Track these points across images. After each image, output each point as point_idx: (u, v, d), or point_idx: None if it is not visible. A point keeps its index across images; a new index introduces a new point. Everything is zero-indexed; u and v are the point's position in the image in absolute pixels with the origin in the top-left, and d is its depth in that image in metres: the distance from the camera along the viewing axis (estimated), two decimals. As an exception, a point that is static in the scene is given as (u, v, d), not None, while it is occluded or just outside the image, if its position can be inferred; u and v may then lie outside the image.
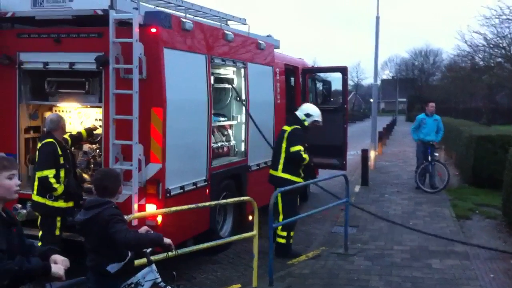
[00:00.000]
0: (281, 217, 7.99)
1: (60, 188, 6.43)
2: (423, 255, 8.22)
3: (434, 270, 7.52)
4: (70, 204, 6.62)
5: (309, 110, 8.48)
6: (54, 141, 6.52)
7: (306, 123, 8.37)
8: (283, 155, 8.16)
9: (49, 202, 6.45)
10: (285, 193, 7.82)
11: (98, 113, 7.53)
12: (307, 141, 8.45)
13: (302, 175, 8.34)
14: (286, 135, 8.20)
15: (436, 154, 13.95)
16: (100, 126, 7.45)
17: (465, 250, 8.47)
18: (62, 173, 6.52)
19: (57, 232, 6.54)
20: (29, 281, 3.27)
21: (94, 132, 7.50)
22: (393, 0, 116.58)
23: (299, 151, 8.04)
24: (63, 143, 6.68)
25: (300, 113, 8.44)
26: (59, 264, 3.36)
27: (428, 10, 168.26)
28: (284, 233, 8.17)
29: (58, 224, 6.53)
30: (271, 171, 8.36)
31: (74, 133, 7.34)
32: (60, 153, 6.50)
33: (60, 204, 6.51)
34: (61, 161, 6.51)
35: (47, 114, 7.89)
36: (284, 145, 8.17)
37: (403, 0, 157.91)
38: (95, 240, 4.19)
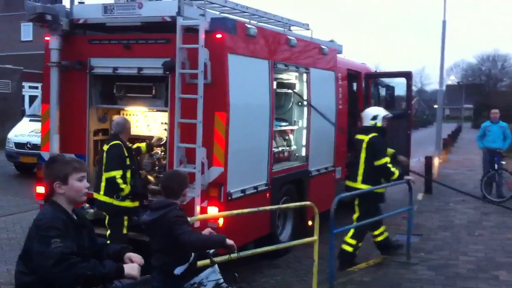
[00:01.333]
0: (352, 228, 7.95)
1: (126, 189, 6.65)
2: (489, 266, 7.95)
3: (502, 282, 7.26)
4: (136, 204, 6.84)
5: (372, 113, 8.20)
6: (121, 143, 6.75)
7: (379, 125, 8.04)
8: (362, 165, 7.89)
9: (116, 202, 6.68)
10: (365, 202, 7.85)
11: (163, 117, 7.73)
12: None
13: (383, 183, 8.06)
14: (364, 145, 7.91)
15: (503, 163, 13.46)
16: (165, 136, 7.65)
17: (534, 263, 8.14)
18: (128, 174, 6.74)
19: (125, 231, 6.76)
20: (103, 284, 3.31)
21: (154, 149, 7.72)
22: (460, 4, 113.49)
23: (385, 163, 7.78)
24: (128, 145, 6.91)
25: (366, 121, 8.13)
26: (133, 264, 3.39)
27: (497, 14, 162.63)
28: (354, 241, 7.98)
29: (125, 223, 6.76)
30: (349, 183, 8.09)
31: (134, 146, 7.50)
32: (126, 154, 6.73)
33: (127, 204, 6.74)
34: (128, 162, 6.74)
35: (115, 117, 8.18)
36: (363, 155, 7.89)
37: (470, 4, 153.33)
38: (161, 241, 4.31)
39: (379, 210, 8.31)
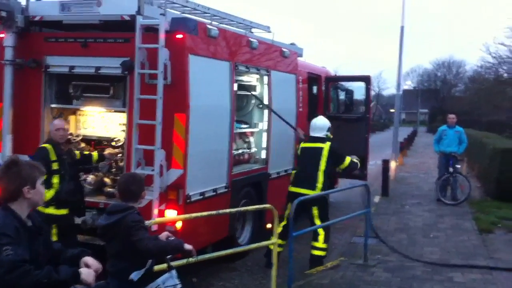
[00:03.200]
0: (321, 232, 7.94)
1: (48, 194, 6.20)
2: (444, 268, 8.10)
3: (456, 284, 7.41)
4: (63, 211, 6.52)
5: (326, 124, 8.48)
6: (47, 146, 6.52)
7: (331, 136, 8.49)
8: (321, 174, 7.97)
9: (40, 208, 6.10)
10: (324, 207, 8.02)
11: (121, 117, 7.58)
12: None
13: None
14: (326, 152, 8.04)
15: (458, 166, 13.78)
16: (122, 137, 7.53)
17: (488, 263, 8.33)
18: (55, 179, 6.47)
19: (54, 238, 6.33)
20: None
21: (105, 159, 7.48)
22: (418, 11, 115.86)
23: (350, 161, 8.24)
24: (62, 148, 6.64)
25: (321, 132, 8.36)
26: (90, 269, 3.33)
27: (453, 21, 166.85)
28: (326, 245, 8.05)
29: (54, 231, 6.42)
30: (305, 191, 7.89)
31: (86, 152, 7.38)
32: (54, 158, 6.46)
33: (50, 211, 6.38)
34: (54, 167, 6.46)
35: (71, 118, 7.99)
36: (323, 163, 8.00)
37: (427, 10, 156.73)
38: (117, 246, 4.20)
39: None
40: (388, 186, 14.76)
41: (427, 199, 14.10)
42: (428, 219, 11.72)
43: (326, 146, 8.10)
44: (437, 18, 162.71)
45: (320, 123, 8.49)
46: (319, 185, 7.99)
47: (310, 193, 7.89)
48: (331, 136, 8.48)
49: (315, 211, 7.96)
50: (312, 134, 8.42)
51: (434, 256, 8.73)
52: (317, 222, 7.98)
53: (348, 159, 8.24)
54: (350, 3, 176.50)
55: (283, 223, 7.92)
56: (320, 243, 8.00)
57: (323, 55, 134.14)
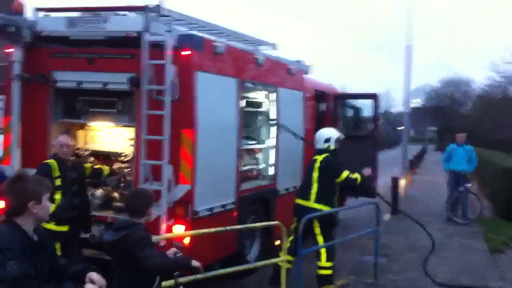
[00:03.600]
0: (323, 251, 7.66)
1: None
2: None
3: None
4: (64, 228, 6.45)
5: (324, 135, 8.15)
6: (50, 162, 6.49)
7: (332, 147, 8.04)
8: (315, 185, 7.79)
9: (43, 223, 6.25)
10: (325, 224, 7.67)
11: (129, 132, 7.55)
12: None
13: (336, 204, 8.03)
14: (317, 164, 7.86)
15: (469, 185, 13.64)
16: (126, 167, 7.54)
17: (499, 285, 8.18)
18: (58, 195, 6.43)
19: (58, 253, 6.31)
20: None
21: (116, 175, 7.50)
22: (424, 30, 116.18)
23: (347, 177, 7.72)
24: (68, 165, 6.59)
25: (319, 144, 8.08)
26: (95, 286, 3.26)
27: (459, 40, 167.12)
28: (330, 264, 7.74)
29: (57, 245, 6.29)
30: (299, 201, 7.84)
31: (97, 166, 7.36)
32: (57, 174, 6.43)
33: (51, 226, 6.30)
34: (57, 183, 6.42)
35: (79, 132, 7.98)
36: (315, 174, 7.81)
37: (433, 29, 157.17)
38: (123, 262, 4.12)
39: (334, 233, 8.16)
40: (397, 204, 14.60)
41: (437, 218, 13.93)
42: (438, 238, 11.53)
43: (320, 157, 7.90)
44: (443, 35, 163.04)
45: (317, 135, 8.26)
46: (313, 196, 7.74)
47: (305, 203, 7.72)
48: (333, 148, 8.06)
49: (316, 225, 7.63)
50: (317, 146, 8.18)
51: (446, 276, 8.58)
52: (319, 238, 7.67)
53: (345, 174, 7.75)
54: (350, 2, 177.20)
55: (291, 237, 7.76)
56: (323, 262, 7.72)
57: (328, 73, 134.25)
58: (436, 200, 17.33)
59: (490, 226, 12.78)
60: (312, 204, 7.74)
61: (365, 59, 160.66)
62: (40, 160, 7.04)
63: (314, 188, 7.78)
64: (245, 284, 8.15)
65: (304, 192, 7.93)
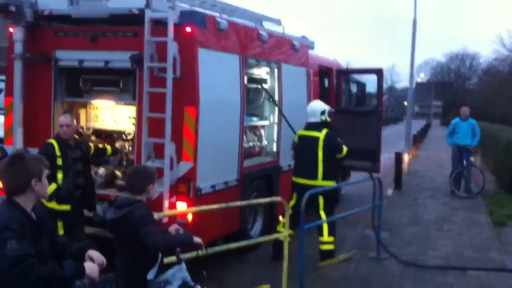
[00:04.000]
0: (325, 226, 7.82)
1: (48, 189, 6.07)
2: (458, 261, 8.02)
3: (470, 278, 7.33)
4: (65, 207, 6.50)
5: (319, 107, 8.15)
6: (53, 141, 6.54)
7: (328, 120, 8.14)
8: (321, 163, 7.84)
9: (44, 201, 6.16)
10: (328, 198, 7.79)
11: (131, 111, 7.58)
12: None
13: (339, 179, 8.21)
14: (321, 142, 7.87)
15: (472, 159, 13.64)
16: (128, 145, 7.59)
17: (502, 257, 8.24)
18: (59, 175, 6.47)
19: (60, 231, 6.36)
20: (63, 286, 3.21)
21: (119, 153, 7.56)
22: (430, 3, 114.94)
23: (347, 151, 8.03)
24: (70, 144, 6.62)
25: (315, 117, 8.08)
26: (94, 264, 3.31)
27: (466, 13, 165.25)
28: (332, 238, 7.91)
29: (60, 224, 6.43)
30: (307, 181, 7.83)
31: (100, 146, 7.40)
32: (58, 154, 6.47)
33: (53, 205, 6.38)
34: (59, 162, 6.46)
35: (82, 111, 8.01)
36: (320, 152, 7.84)
37: (440, 3, 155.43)
38: (125, 239, 4.17)
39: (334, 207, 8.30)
40: (401, 179, 14.65)
41: (440, 192, 13.98)
42: (441, 212, 11.62)
43: (321, 135, 7.91)
44: (449, 8, 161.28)
45: (311, 108, 8.24)
46: (320, 174, 7.83)
47: (313, 183, 7.77)
48: (329, 120, 8.16)
49: (321, 201, 7.78)
50: (308, 120, 8.22)
51: (448, 249, 8.65)
52: (322, 213, 7.79)
53: (345, 149, 7.99)
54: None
55: (289, 213, 7.81)
56: (325, 237, 7.86)
57: (333, 48, 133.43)
58: (440, 174, 17.37)
59: (493, 200, 12.83)
60: (320, 182, 7.80)
61: (371, 33, 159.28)
62: (43, 140, 7.10)
63: (320, 167, 7.84)
64: (248, 260, 8.25)
65: (308, 170, 7.91)
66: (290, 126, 9.10)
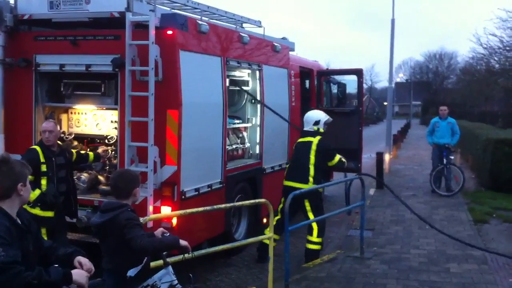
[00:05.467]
0: (315, 226, 7.98)
1: (33, 195, 6.11)
2: (440, 259, 8.12)
3: (452, 274, 7.42)
4: (49, 214, 6.44)
5: (314, 117, 8.48)
6: (37, 147, 6.47)
7: (322, 130, 8.42)
8: (312, 168, 8.06)
9: (27, 208, 6.14)
10: (313, 200, 8.00)
11: (113, 115, 7.54)
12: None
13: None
14: (314, 148, 8.12)
15: (452, 157, 13.81)
16: (111, 150, 7.57)
17: (483, 254, 8.35)
18: (43, 181, 6.41)
19: (44, 237, 6.31)
20: None
21: (101, 159, 7.50)
22: (407, 3, 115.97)
23: (339, 160, 8.35)
24: (53, 150, 6.54)
25: (308, 126, 8.43)
26: (82, 271, 3.28)
27: (443, 13, 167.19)
28: (320, 239, 8.08)
29: (43, 230, 6.32)
30: (298, 185, 7.95)
31: (82, 152, 7.36)
32: (42, 160, 6.40)
33: (37, 211, 6.32)
34: (43, 168, 6.40)
35: (63, 116, 7.95)
36: (312, 157, 8.08)
37: (417, 2, 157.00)
38: (112, 244, 4.15)
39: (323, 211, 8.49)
40: (382, 179, 14.77)
41: (421, 191, 14.12)
42: (423, 210, 11.70)
43: (315, 140, 8.19)
44: (426, 8, 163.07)
45: (307, 117, 8.59)
46: (311, 178, 8.05)
47: (303, 186, 7.92)
48: (322, 131, 8.43)
49: (307, 204, 7.99)
50: (306, 127, 8.50)
51: (430, 247, 8.74)
52: (310, 215, 7.98)
53: (337, 157, 8.32)
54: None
55: (277, 217, 7.90)
56: (314, 237, 8.01)
57: (312, 49, 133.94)
58: (421, 173, 17.55)
59: (474, 197, 13.00)
60: (311, 186, 8.01)
61: (349, 34, 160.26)
62: (24, 145, 7.05)
63: (312, 171, 8.07)
64: (234, 262, 8.25)
65: (299, 175, 8.09)
66: (293, 125, 9.26)
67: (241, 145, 9.11)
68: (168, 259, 4.56)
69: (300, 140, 8.41)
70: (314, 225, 7.97)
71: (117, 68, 6.91)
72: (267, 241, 7.81)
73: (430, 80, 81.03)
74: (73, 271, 3.22)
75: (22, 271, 2.98)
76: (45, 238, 6.22)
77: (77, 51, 7.20)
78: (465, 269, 7.64)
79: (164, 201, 6.84)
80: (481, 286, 6.99)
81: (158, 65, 6.71)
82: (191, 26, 7.18)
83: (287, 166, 8.59)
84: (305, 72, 11.90)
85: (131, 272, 4.11)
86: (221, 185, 7.89)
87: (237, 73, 9.00)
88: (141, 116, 6.70)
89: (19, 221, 3.26)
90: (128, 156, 6.83)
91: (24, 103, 7.52)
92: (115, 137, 7.46)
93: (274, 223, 7.57)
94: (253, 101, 9.30)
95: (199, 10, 8.48)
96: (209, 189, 7.58)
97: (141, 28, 6.78)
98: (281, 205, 7.98)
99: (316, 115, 8.52)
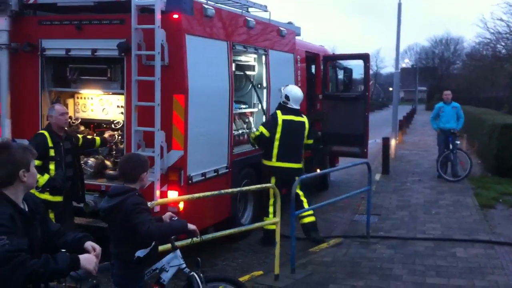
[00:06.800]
0: (304, 199, 8.20)
1: (41, 180, 6.16)
2: (447, 244, 8.12)
3: (459, 259, 7.43)
4: (58, 198, 6.45)
5: (301, 96, 8.45)
6: (45, 132, 6.45)
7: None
8: (302, 147, 8.35)
9: (36, 193, 6.13)
10: (303, 181, 8.06)
11: (120, 100, 7.53)
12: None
13: None
14: (307, 126, 8.33)
15: (458, 142, 13.75)
16: (118, 134, 7.57)
17: (490, 238, 8.35)
18: (52, 166, 6.40)
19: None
20: (57, 280, 3.16)
21: (108, 144, 7.49)
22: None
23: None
24: (60, 135, 6.52)
25: (298, 104, 8.33)
26: (91, 255, 3.24)
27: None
28: (311, 211, 8.21)
29: (51, 215, 6.33)
30: (293, 165, 8.12)
31: (89, 137, 7.35)
32: (50, 145, 6.39)
33: (46, 196, 6.31)
34: (52, 153, 6.39)
35: (70, 101, 7.94)
36: (305, 136, 8.35)
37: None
38: (119, 228, 4.15)
39: None
40: (388, 164, 14.75)
41: (427, 176, 14.10)
42: (429, 196, 11.72)
43: (306, 120, 8.37)
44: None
45: (297, 96, 8.35)
46: (302, 158, 8.39)
47: (297, 166, 8.21)
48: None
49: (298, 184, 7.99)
50: (294, 106, 8.29)
51: (436, 232, 8.74)
52: (299, 191, 7.94)
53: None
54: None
55: (272, 199, 8.06)
56: (306, 212, 8.08)
57: (318, 34, 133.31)
58: (426, 158, 17.52)
59: (480, 182, 12.96)
60: (300, 165, 8.31)
61: (356, 19, 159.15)
62: (30, 130, 7.05)
63: (301, 150, 8.34)
64: (240, 247, 8.28)
65: (294, 155, 8.19)
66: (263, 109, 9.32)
67: (247, 130, 9.10)
68: (176, 243, 4.57)
69: (290, 118, 8.17)
70: (303, 198, 8.16)
71: (123, 52, 6.88)
72: (311, 219, 8.21)
73: (435, 65, 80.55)
74: (81, 256, 3.17)
75: (28, 259, 2.93)
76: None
77: (82, 36, 7.17)
78: (472, 254, 7.64)
79: (170, 185, 6.85)
80: (487, 270, 6.99)
81: (164, 50, 6.68)
82: (197, 10, 7.13)
83: (276, 146, 8.14)
84: (311, 57, 11.83)
85: (140, 253, 4.13)
86: (227, 170, 7.89)
87: (243, 58, 8.96)
88: (148, 101, 6.69)
89: (26, 208, 3.21)
90: (135, 141, 6.83)
91: (30, 88, 7.51)
92: (122, 122, 7.45)
93: (272, 206, 7.98)
94: (259, 86, 9.26)
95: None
96: (216, 174, 7.58)
97: (146, 12, 6.75)
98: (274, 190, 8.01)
99: (301, 94, 8.47)
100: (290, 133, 8.13)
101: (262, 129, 8.16)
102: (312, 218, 8.26)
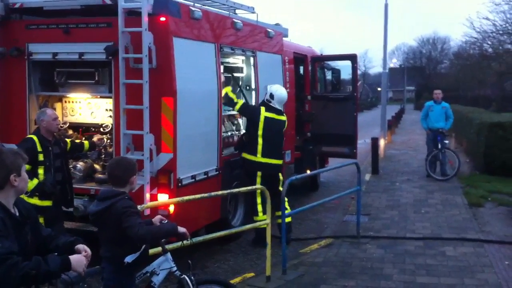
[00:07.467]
0: (286, 200, 8.04)
1: (30, 184, 6.09)
2: (436, 242, 8.16)
3: (448, 258, 7.47)
4: (46, 203, 6.41)
5: (286, 97, 8.60)
6: (33, 137, 6.40)
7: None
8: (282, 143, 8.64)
9: (25, 197, 5.94)
10: (282, 174, 8.57)
11: (108, 103, 7.50)
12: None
13: None
14: (285, 125, 8.61)
15: (446, 142, 13.84)
16: (106, 138, 7.52)
17: (479, 237, 8.41)
18: (41, 170, 6.35)
19: None
20: (49, 281, 3.17)
21: (96, 147, 7.46)
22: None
23: None
24: (49, 140, 6.47)
25: (280, 105, 8.45)
26: (81, 257, 3.26)
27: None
28: (289, 209, 8.12)
29: (41, 219, 6.32)
30: (277, 161, 8.39)
31: (77, 141, 7.31)
32: (39, 150, 6.34)
33: (35, 201, 6.27)
34: (41, 158, 6.35)
35: (57, 105, 7.90)
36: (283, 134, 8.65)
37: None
38: (109, 232, 4.13)
39: None
40: (378, 164, 14.81)
41: (416, 176, 14.17)
42: (418, 195, 11.78)
43: (285, 119, 8.57)
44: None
45: (283, 96, 8.50)
46: (282, 154, 8.72)
47: (280, 163, 8.47)
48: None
49: (281, 178, 8.44)
50: (277, 106, 8.41)
51: (426, 231, 8.79)
52: (280, 188, 8.03)
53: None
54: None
55: (258, 199, 8.24)
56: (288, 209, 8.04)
57: (305, 36, 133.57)
58: (415, 158, 17.62)
59: (468, 181, 13.05)
60: (281, 162, 8.58)
61: (342, 20, 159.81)
62: (18, 135, 6.99)
63: (282, 147, 8.65)
64: (231, 249, 8.27)
65: (276, 152, 8.47)
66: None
67: (237, 132, 9.09)
68: (167, 246, 4.56)
69: (273, 116, 8.32)
70: (286, 199, 8.13)
71: (111, 56, 6.86)
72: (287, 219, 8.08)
73: (423, 65, 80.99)
74: (72, 257, 3.20)
75: (19, 262, 2.94)
76: None
77: (69, 39, 7.14)
78: (461, 252, 7.69)
79: (160, 188, 6.83)
80: (477, 268, 7.04)
81: (151, 52, 6.66)
82: (184, 12, 7.13)
83: (260, 142, 8.26)
84: (299, 58, 11.85)
85: (129, 259, 4.11)
86: (217, 172, 7.88)
87: (231, 60, 8.96)
88: (136, 104, 6.67)
89: (16, 212, 3.21)
90: (124, 144, 6.80)
91: (17, 92, 7.45)
92: (110, 126, 7.42)
93: (260, 205, 8.17)
94: (247, 87, 9.27)
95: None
96: (206, 176, 7.57)
97: (133, 15, 6.72)
98: (258, 180, 8.20)
99: (286, 96, 8.62)
100: (272, 130, 8.32)
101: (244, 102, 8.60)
102: (288, 219, 8.16)
